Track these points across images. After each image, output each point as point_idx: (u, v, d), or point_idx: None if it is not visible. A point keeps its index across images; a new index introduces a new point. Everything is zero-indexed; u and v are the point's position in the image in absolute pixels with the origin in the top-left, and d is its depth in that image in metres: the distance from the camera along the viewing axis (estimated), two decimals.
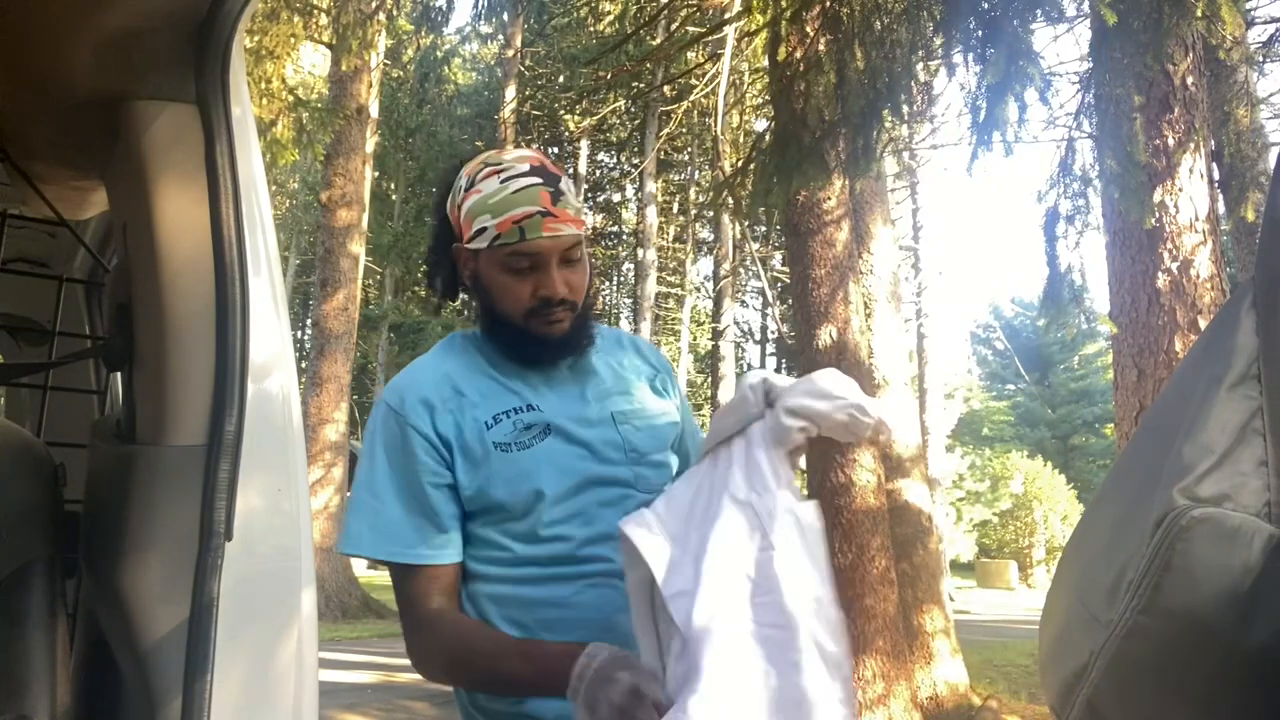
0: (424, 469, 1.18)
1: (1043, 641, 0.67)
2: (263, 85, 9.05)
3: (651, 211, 27.38)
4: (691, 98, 17.42)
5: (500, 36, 26.23)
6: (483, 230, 1.19)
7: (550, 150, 35.59)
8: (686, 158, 31.50)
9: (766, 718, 0.89)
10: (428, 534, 1.18)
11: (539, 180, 1.18)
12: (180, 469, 1.02)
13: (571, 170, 33.24)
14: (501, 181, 1.19)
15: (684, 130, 27.32)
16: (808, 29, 4.97)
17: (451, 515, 1.20)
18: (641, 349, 1.40)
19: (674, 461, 1.34)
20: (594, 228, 36.55)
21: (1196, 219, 4.91)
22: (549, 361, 1.26)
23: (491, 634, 1.18)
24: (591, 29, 23.21)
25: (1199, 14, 3.78)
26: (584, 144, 30.86)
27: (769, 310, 32.22)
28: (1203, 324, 4.74)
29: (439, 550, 1.19)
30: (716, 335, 24.79)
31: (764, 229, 25.69)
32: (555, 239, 1.17)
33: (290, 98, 9.64)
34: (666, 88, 20.56)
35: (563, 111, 29.12)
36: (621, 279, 39.39)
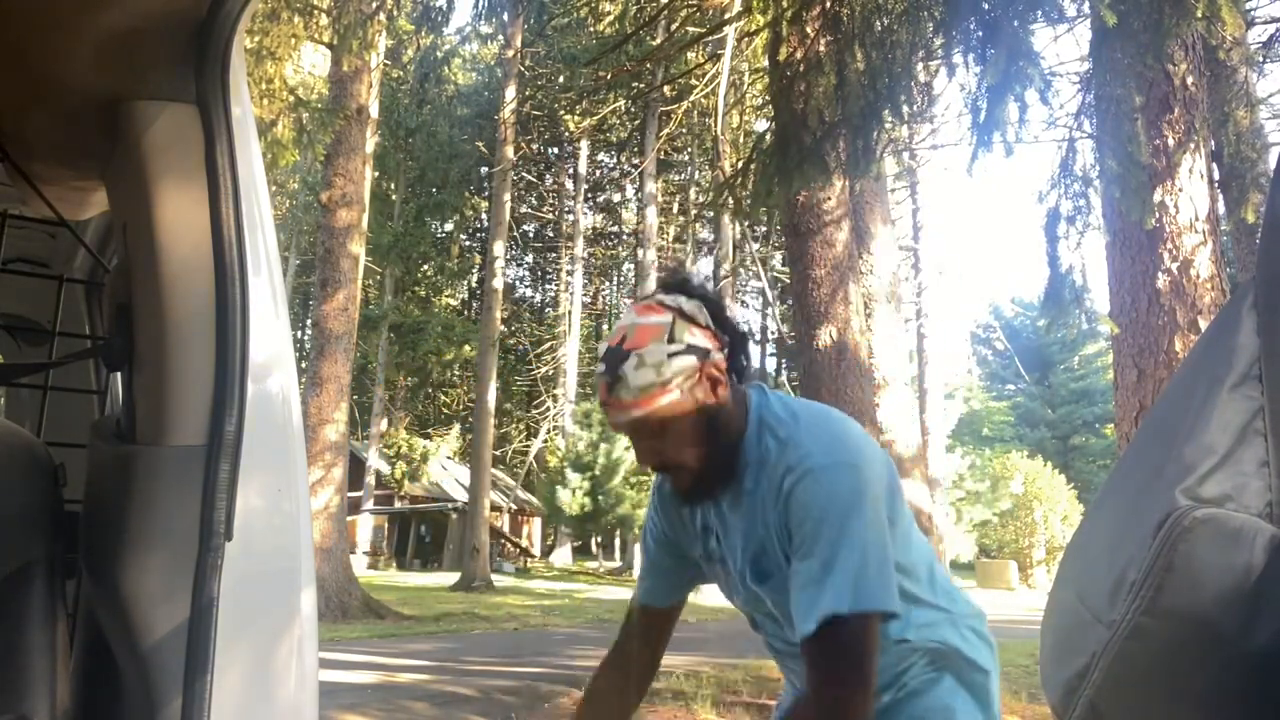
0: None
1: (1044, 642, 0.67)
2: (263, 85, 9.06)
3: (651, 212, 27.37)
4: (691, 98, 17.44)
5: (500, 36, 26.22)
6: None
7: (550, 150, 35.62)
8: (686, 158, 31.50)
9: None
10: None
11: (602, 369, 1.23)
12: (180, 469, 1.02)
13: (572, 170, 33.24)
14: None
15: (684, 130, 27.33)
16: (808, 29, 4.97)
17: None
18: (791, 508, 1.23)
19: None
20: (593, 227, 36.54)
21: (1196, 219, 4.92)
22: (687, 506, 1.37)
23: None
24: (591, 29, 23.21)
25: (1199, 14, 3.77)
26: (584, 144, 30.85)
27: (769, 310, 32.22)
28: (1203, 324, 4.74)
29: None
30: None
31: (764, 229, 25.70)
32: (617, 425, 1.24)
33: (290, 98, 9.64)
34: (666, 88, 20.57)
35: (563, 111, 29.12)
36: (621, 279, 39.39)
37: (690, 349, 1.21)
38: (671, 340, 1.21)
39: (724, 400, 1.25)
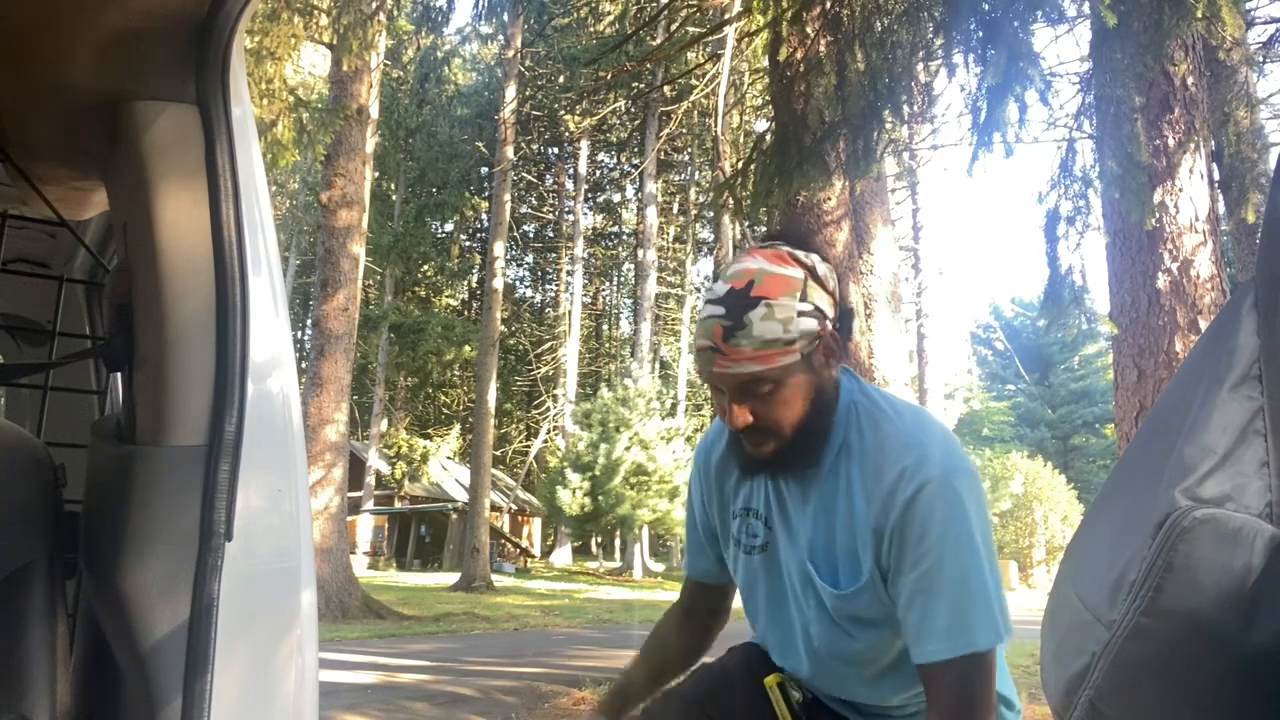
0: None
1: (1044, 642, 0.67)
2: (263, 86, 9.05)
3: (651, 212, 27.38)
4: (691, 98, 17.46)
5: (500, 36, 26.22)
6: None
7: (550, 150, 35.63)
8: (686, 158, 31.52)
9: None
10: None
11: (720, 312, 1.12)
12: (180, 469, 1.02)
13: (572, 170, 33.25)
14: (704, 301, 1.16)
15: (684, 130, 27.36)
16: (808, 30, 4.97)
17: None
18: (909, 518, 1.12)
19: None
20: (593, 228, 36.54)
21: (1197, 219, 4.91)
22: (754, 475, 1.25)
23: None
24: (591, 29, 23.25)
25: (1199, 15, 3.77)
26: (584, 144, 30.86)
27: None
28: (1203, 324, 4.74)
29: None
30: None
31: (764, 229, 25.70)
32: (724, 376, 1.12)
33: (291, 98, 9.64)
34: (666, 88, 20.59)
35: (563, 111, 29.14)
36: (621, 279, 39.39)
37: (817, 312, 1.12)
38: (803, 298, 1.11)
39: (835, 373, 1.17)
